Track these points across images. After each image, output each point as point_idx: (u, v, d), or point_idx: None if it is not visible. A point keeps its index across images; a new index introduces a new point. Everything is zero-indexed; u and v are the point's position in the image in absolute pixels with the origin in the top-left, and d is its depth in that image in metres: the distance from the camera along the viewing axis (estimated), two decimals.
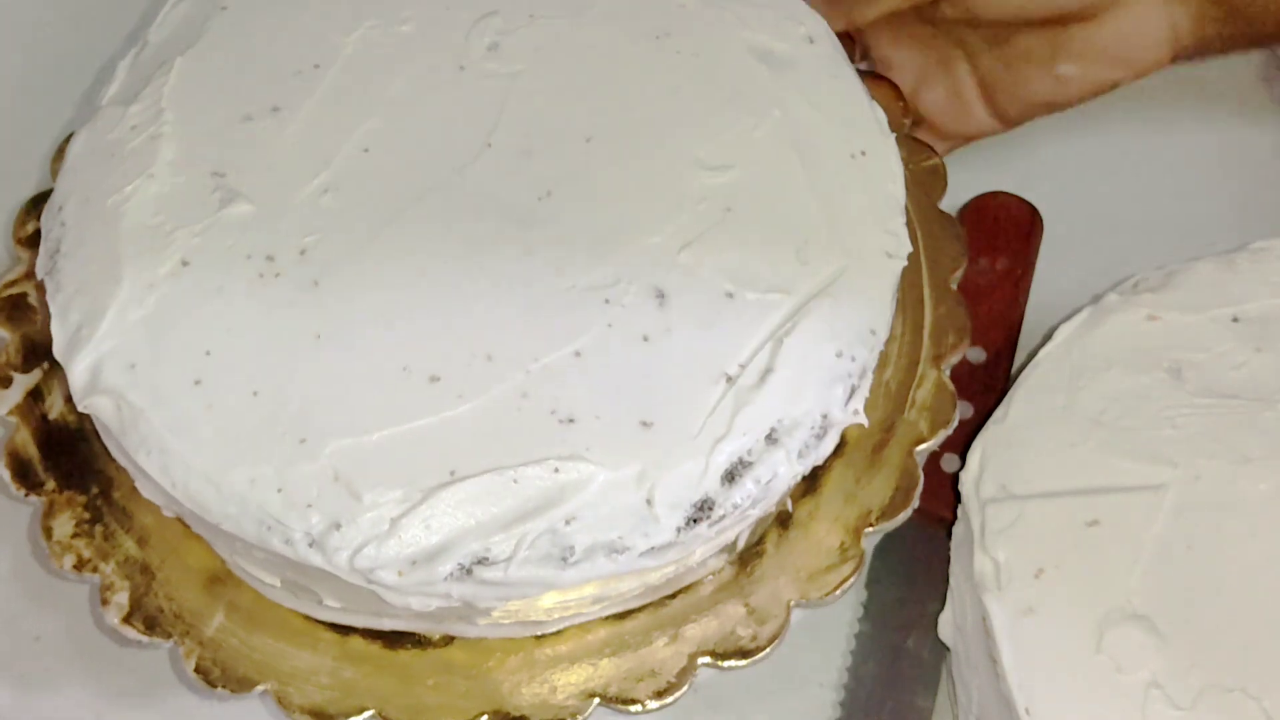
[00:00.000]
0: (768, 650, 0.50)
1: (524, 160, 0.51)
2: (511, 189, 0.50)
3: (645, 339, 0.48)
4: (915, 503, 0.52)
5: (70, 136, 0.54)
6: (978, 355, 0.58)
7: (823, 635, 0.55)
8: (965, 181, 0.61)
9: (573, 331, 0.48)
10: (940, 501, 0.54)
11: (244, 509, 0.45)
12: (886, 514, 0.52)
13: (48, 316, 0.48)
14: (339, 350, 0.47)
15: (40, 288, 0.51)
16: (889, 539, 0.55)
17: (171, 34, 0.55)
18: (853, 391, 0.49)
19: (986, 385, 0.58)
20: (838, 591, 0.50)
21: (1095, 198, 0.64)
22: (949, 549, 0.53)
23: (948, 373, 0.54)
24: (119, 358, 0.47)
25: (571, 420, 0.46)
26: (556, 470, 0.46)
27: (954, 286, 0.56)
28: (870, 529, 0.51)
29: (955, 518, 0.53)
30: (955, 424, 0.53)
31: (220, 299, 0.48)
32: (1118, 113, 0.63)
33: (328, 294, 0.48)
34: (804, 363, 0.48)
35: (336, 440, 0.46)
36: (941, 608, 0.53)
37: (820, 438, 0.48)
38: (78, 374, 0.47)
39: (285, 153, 0.51)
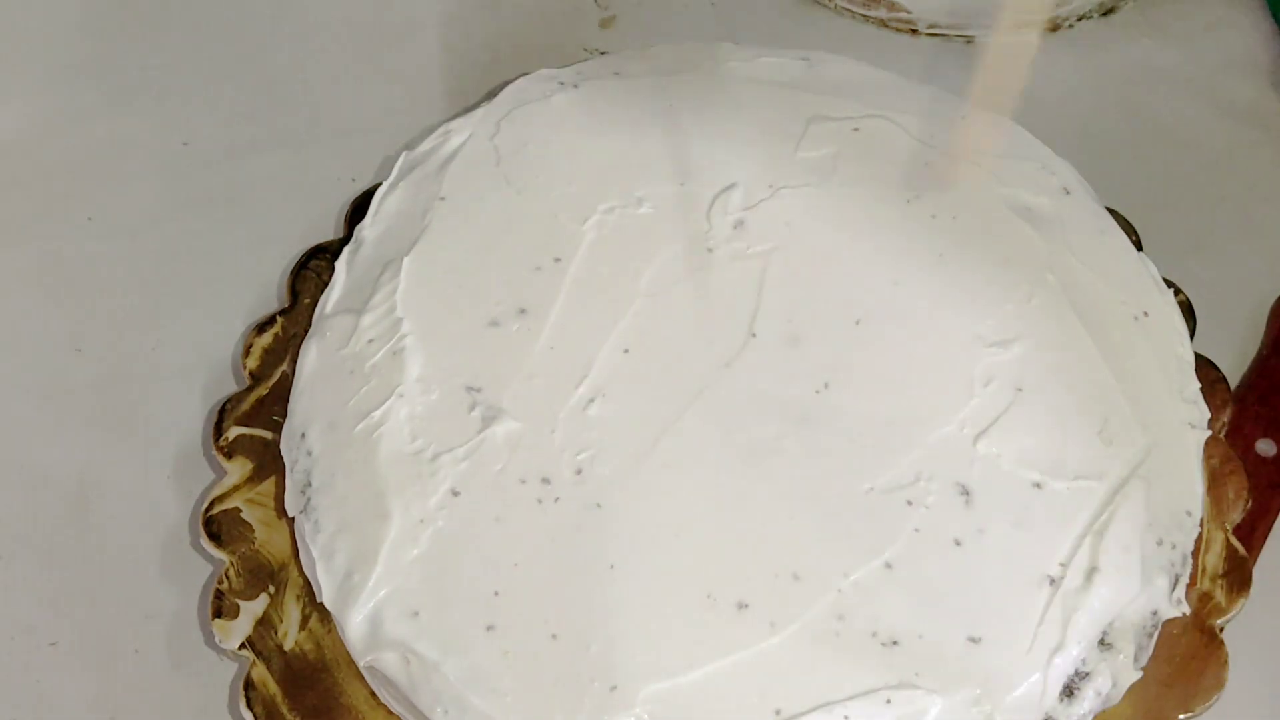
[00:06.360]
0: None
1: (792, 349, 0.48)
2: (784, 382, 0.47)
3: (957, 543, 0.44)
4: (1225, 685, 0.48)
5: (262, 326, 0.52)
6: (1268, 448, 0.55)
7: None
8: None
9: (879, 540, 0.44)
10: None
11: None
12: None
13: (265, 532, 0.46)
14: (635, 581, 0.44)
15: (283, 517, 0.47)
16: None
17: (388, 230, 0.51)
18: (1176, 581, 0.45)
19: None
20: None
21: None
22: None
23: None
24: (399, 605, 0.44)
25: (895, 642, 0.43)
26: (889, 701, 0.42)
27: (1221, 435, 0.53)
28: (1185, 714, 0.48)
29: None
30: None
31: (499, 530, 0.44)
32: None
33: (612, 518, 0.45)
34: (1127, 556, 0.45)
35: (650, 684, 0.42)
36: None
37: (1151, 636, 0.45)
38: (355, 626, 0.44)
39: (540, 360, 0.47)
